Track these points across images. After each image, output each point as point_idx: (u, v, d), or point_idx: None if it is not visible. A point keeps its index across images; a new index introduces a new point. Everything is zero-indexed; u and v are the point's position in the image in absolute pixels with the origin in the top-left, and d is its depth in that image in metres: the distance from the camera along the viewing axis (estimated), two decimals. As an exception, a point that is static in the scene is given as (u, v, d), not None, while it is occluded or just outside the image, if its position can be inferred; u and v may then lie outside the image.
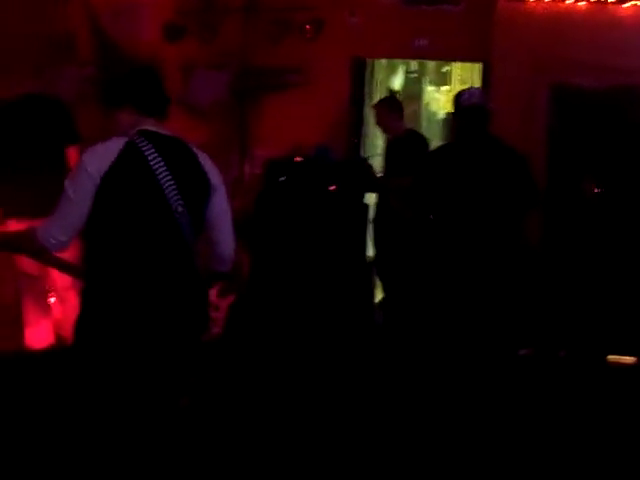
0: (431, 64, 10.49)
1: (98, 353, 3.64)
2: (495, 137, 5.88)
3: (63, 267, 4.41)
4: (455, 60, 9.22)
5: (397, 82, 9.99)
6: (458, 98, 5.89)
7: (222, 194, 3.75)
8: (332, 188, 7.15)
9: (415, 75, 10.45)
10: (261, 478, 4.84)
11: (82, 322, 3.66)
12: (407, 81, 10.34)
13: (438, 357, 6.00)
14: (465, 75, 9.59)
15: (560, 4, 7.30)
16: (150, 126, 3.67)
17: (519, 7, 7.31)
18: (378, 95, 8.87)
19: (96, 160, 3.52)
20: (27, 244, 3.76)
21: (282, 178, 7.23)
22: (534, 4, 7.32)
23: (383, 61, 9.13)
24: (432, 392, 5.88)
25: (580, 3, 7.31)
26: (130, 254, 3.59)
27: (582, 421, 5.74)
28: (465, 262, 5.81)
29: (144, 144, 3.57)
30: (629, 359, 7.17)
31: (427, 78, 10.72)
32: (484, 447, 5.25)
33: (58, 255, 4.11)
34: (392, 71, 9.78)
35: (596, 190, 7.18)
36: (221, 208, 3.75)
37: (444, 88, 11.08)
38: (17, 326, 6.20)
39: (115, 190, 3.51)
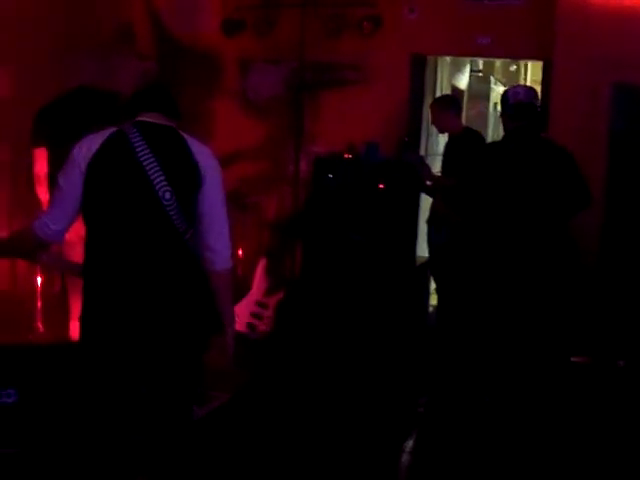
0: (498, 62, 10.31)
1: (93, 348, 3.66)
2: (544, 136, 5.70)
3: (63, 266, 4.37)
4: (516, 58, 9.03)
5: (462, 81, 9.81)
6: (505, 96, 5.74)
7: (215, 185, 3.66)
8: (381, 186, 7.00)
9: (481, 74, 10.25)
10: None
11: (82, 316, 3.66)
12: (473, 80, 10.16)
13: (490, 361, 5.86)
14: (536, 74, 9.36)
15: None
16: (147, 117, 3.65)
17: (582, 2, 7.06)
18: (441, 94, 8.71)
19: (83, 149, 3.55)
20: (24, 241, 3.78)
21: (330, 175, 7.11)
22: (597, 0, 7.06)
23: (447, 58, 8.95)
24: (483, 397, 5.80)
25: (646, -1, 7.02)
26: (117, 243, 3.58)
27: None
28: (514, 265, 5.67)
29: (132, 132, 3.56)
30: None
31: (494, 77, 10.52)
32: (535, 453, 5.21)
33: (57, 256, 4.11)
34: (457, 69, 9.60)
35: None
36: (213, 199, 3.66)
37: (514, 87, 10.85)
38: (64, 315, 6.23)
39: (100, 177, 3.53)
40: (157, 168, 3.53)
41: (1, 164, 7.05)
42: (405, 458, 5.37)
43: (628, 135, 7.14)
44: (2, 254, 4.00)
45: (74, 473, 4.04)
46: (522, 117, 5.62)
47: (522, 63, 10.74)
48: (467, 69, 9.99)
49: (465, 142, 7.08)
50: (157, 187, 3.53)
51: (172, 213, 3.56)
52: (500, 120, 5.99)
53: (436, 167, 7.73)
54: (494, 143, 6.58)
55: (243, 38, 8.22)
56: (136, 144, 3.55)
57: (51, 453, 4.58)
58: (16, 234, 3.89)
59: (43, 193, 6.13)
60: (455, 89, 9.50)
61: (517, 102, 5.63)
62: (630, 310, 6.95)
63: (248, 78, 8.29)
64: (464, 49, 7.96)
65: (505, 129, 5.80)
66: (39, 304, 6.63)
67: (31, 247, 3.79)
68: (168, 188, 3.53)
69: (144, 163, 3.53)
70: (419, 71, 8.14)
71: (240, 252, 7.85)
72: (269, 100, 8.30)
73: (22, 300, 6.80)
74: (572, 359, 6.65)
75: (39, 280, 6.70)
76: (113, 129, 3.62)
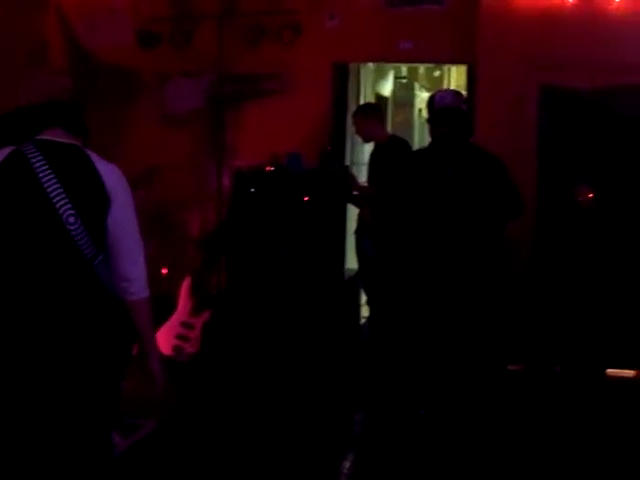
0: (422, 68, 10.26)
1: None
2: (471, 142, 5.59)
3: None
4: (439, 62, 8.95)
5: (386, 88, 9.72)
6: (431, 101, 5.61)
7: (124, 206, 3.41)
8: (306, 199, 6.83)
9: (405, 80, 10.18)
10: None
11: None
12: (397, 86, 10.09)
13: (425, 372, 5.77)
14: (461, 79, 9.29)
15: (547, 0, 6.96)
16: (48, 135, 3.40)
17: (504, 4, 7.01)
18: (365, 101, 8.60)
19: None
20: None
21: (252, 189, 6.91)
22: (519, 1, 6.99)
23: (370, 66, 8.86)
24: (419, 410, 5.73)
25: (568, -1, 6.96)
26: (14, 274, 3.33)
27: (581, 436, 5.61)
28: (446, 275, 5.54)
29: (31, 151, 3.31)
30: (629, 372, 6.90)
31: (419, 83, 10.45)
32: (474, 464, 5.16)
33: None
34: (381, 76, 9.51)
35: (590, 196, 6.84)
36: (123, 221, 3.41)
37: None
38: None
39: None
40: (60, 190, 3.29)
41: None
42: (345, 471, 5.22)
43: (557, 138, 7.07)
44: None
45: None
46: (449, 122, 5.50)
47: (446, 68, 10.69)
48: (391, 76, 9.91)
49: (391, 150, 7.00)
50: (60, 211, 3.28)
51: (78, 238, 3.31)
52: (426, 126, 5.85)
53: (362, 177, 7.60)
54: (420, 150, 6.44)
55: (160, 51, 8.05)
56: (36, 164, 3.30)
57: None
58: None
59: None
60: (379, 96, 9.41)
61: (443, 107, 5.51)
62: (563, 316, 6.89)
63: (166, 92, 8.09)
64: (386, 55, 7.91)
65: (432, 135, 5.65)
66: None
67: None
68: (72, 212, 3.29)
69: (45, 185, 3.28)
70: (341, 79, 8.04)
71: (164, 271, 7.63)
72: (189, 114, 8.13)
73: None
74: (508, 367, 6.58)
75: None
76: (10, 149, 3.36)
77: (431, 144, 5.71)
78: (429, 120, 5.66)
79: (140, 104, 8.25)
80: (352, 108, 7.97)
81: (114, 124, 7.93)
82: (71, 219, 3.28)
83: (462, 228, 5.44)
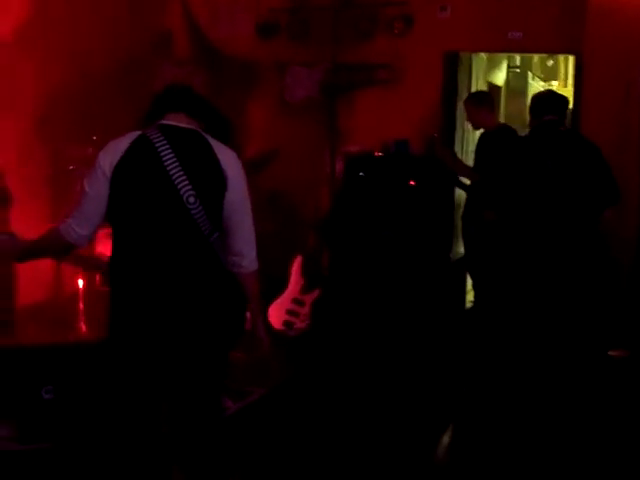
0: (536, 58, 10.33)
1: (118, 347, 3.76)
2: (573, 130, 5.75)
3: (90, 265, 4.49)
4: (548, 52, 9.05)
5: (499, 77, 9.83)
6: (533, 96, 5.87)
7: (240, 189, 3.71)
8: (412, 183, 7.07)
9: (519, 70, 10.27)
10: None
11: (109, 316, 3.74)
12: (510, 76, 10.18)
13: (526, 355, 5.92)
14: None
15: (656, -9, 7.02)
16: (171, 120, 3.69)
17: (613, -5, 7.07)
18: (476, 90, 8.75)
19: (108, 154, 3.61)
20: (52, 244, 3.85)
21: (361, 173, 7.19)
22: (629, -7, 7.06)
23: (483, 55, 8.99)
24: (517, 390, 5.86)
25: (678, -9, 7.01)
26: (142, 245, 3.65)
27: None
28: (546, 260, 5.71)
29: (156, 136, 3.62)
30: None
31: (532, 73, 10.53)
32: (573, 448, 5.24)
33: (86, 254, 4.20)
34: (494, 65, 9.63)
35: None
36: (238, 203, 3.71)
37: (554, 83, 10.88)
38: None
39: (125, 182, 3.59)
40: (181, 172, 3.59)
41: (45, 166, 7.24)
42: (440, 452, 5.41)
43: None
44: (34, 256, 4.10)
45: (108, 466, 4.12)
46: (547, 111, 5.70)
47: (562, 58, 10.74)
48: (504, 65, 10.01)
49: (498, 138, 7.11)
50: (181, 191, 3.59)
51: (197, 217, 3.61)
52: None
53: (470, 163, 7.77)
54: (521, 138, 6.61)
55: (278, 42, 8.34)
56: (160, 148, 3.61)
57: (85, 448, 4.70)
58: (45, 237, 3.96)
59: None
60: (492, 85, 9.53)
61: (541, 97, 5.72)
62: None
63: (284, 80, 8.37)
64: (496, 45, 8.02)
65: (531, 125, 5.88)
66: (81, 305, 6.80)
67: (59, 249, 3.88)
68: (192, 192, 3.59)
69: (168, 167, 3.58)
70: (452, 68, 8.21)
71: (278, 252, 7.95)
72: (304, 102, 8.37)
73: (65, 302, 6.97)
74: (609, 353, 6.67)
75: (81, 282, 6.87)
76: (137, 133, 3.67)
77: (530, 132, 5.92)
78: (530, 111, 5.86)
79: (259, 92, 8.58)
80: (463, 97, 8.11)
81: (235, 111, 8.22)
82: (191, 199, 3.59)
83: (559, 214, 5.61)
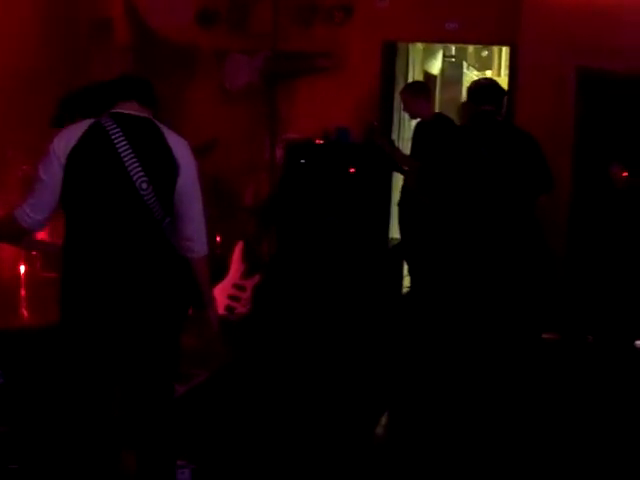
0: (471, 48, 10.52)
1: (70, 331, 3.83)
2: (505, 120, 5.91)
3: (44, 249, 4.54)
4: (483, 43, 9.24)
5: (435, 66, 10.00)
6: (470, 85, 6.02)
7: (191, 176, 3.81)
8: (352, 170, 7.21)
9: (454, 59, 10.45)
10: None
11: (60, 299, 3.83)
12: (446, 65, 10.35)
13: (461, 340, 6.07)
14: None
15: (589, -15, 7.23)
16: (124, 109, 3.78)
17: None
18: (413, 79, 8.91)
19: (63, 141, 3.67)
20: (6, 228, 3.91)
21: (302, 160, 7.31)
22: (562, -15, 7.26)
23: (419, 45, 9.15)
24: (453, 374, 6.01)
25: (610, -16, 7.22)
26: (95, 230, 3.73)
27: (608, 406, 5.78)
28: (481, 244, 5.87)
29: (109, 124, 3.70)
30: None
31: (467, 62, 10.72)
32: (502, 430, 5.37)
33: (40, 239, 4.26)
34: (430, 55, 9.80)
35: (624, 175, 7.09)
36: (189, 189, 3.80)
37: (488, 72, 11.10)
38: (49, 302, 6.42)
39: (79, 168, 3.66)
40: (134, 159, 3.67)
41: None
42: (379, 433, 5.53)
43: (593, 118, 7.34)
44: None
45: (61, 449, 4.19)
46: (484, 101, 5.85)
47: (496, 49, 10.94)
48: (440, 55, 10.19)
49: (434, 127, 7.24)
50: (134, 177, 3.67)
51: (149, 202, 3.70)
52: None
53: (406, 151, 7.91)
54: (458, 128, 6.78)
55: (218, 29, 8.41)
56: (114, 136, 3.68)
57: (39, 430, 4.75)
58: (0, 221, 4.04)
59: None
60: (428, 75, 9.70)
61: (479, 86, 5.88)
62: (599, 287, 7.15)
63: (223, 68, 8.45)
64: (433, 35, 8.20)
65: (468, 114, 6.03)
66: (23, 292, 6.80)
67: (14, 234, 3.94)
68: (145, 178, 3.68)
69: (122, 154, 3.67)
70: (390, 58, 8.36)
71: (218, 238, 8.04)
72: (244, 89, 8.48)
73: (6, 287, 6.96)
74: (543, 335, 6.87)
75: (22, 268, 6.87)
76: (91, 121, 3.74)
77: (468, 122, 6.08)
78: (467, 98, 6.03)
79: (199, 79, 8.63)
80: (400, 86, 8.26)
81: (174, 98, 8.30)
82: (144, 185, 3.68)
83: (494, 201, 5.79)
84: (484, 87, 6.01)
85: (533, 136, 5.92)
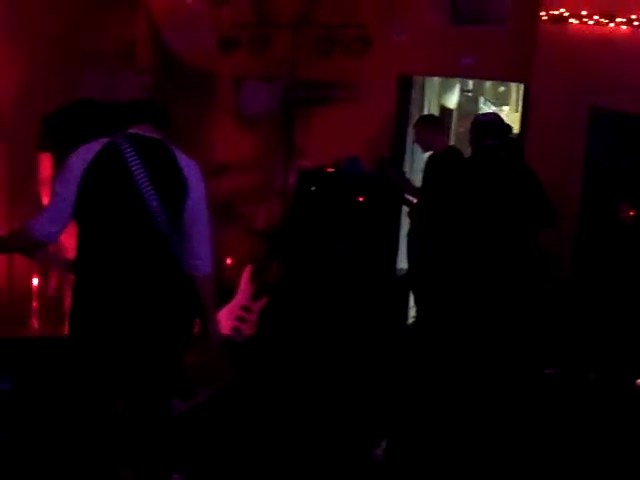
0: (488, 83, 10.61)
1: (79, 341, 3.97)
2: (513, 156, 6.00)
3: (57, 262, 4.68)
4: (498, 80, 9.35)
5: (452, 100, 10.11)
6: (475, 118, 6.11)
7: (200, 196, 3.98)
8: (360, 199, 7.32)
9: (471, 94, 10.55)
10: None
11: (71, 312, 3.97)
12: (463, 99, 10.45)
13: (464, 371, 6.14)
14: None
15: (603, 27, 7.34)
16: (137, 130, 3.94)
17: (561, 29, 7.39)
18: (428, 112, 9.01)
19: (79, 157, 3.86)
20: (20, 240, 4.07)
21: (313, 188, 7.43)
22: (576, 26, 7.38)
23: (436, 79, 9.26)
24: (454, 404, 6.04)
25: (622, 27, 7.33)
26: (105, 244, 3.89)
27: (608, 444, 5.78)
28: (484, 278, 5.96)
29: (123, 143, 3.87)
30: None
31: (484, 97, 10.81)
32: (501, 461, 5.41)
33: (52, 254, 4.41)
34: (447, 89, 9.90)
35: (631, 214, 7.16)
36: (197, 209, 3.97)
37: (505, 108, 11.19)
38: (59, 315, 6.55)
39: (93, 184, 3.83)
40: (146, 178, 3.84)
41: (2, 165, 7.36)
42: (378, 455, 5.61)
43: (603, 157, 7.41)
44: (1, 250, 4.30)
45: (62, 459, 4.29)
46: (488, 136, 5.96)
47: (514, 85, 11.04)
48: (457, 89, 10.29)
49: (444, 160, 7.33)
50: (145, 195, 3.84)
51: (158, 219, 3.87)
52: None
53: (418, 183, 8.00)
54: (462, 160, 6.88)
55: (238, 55, 8.59)
56: (127, 155, 3.86)
57: (42, 439, 4.86)
58: (14, 233, 4.19)
59: (46, 195, 6.45)
60: (444, 108, 9.79)
61: (483, 122, 5.98)
62: (601, 324, 7.19)
63: (241, 94, 8.61)
64: (449, 70, 8.33)
65: (473, 148, 6.13)
66: (35, 304, 6.94)
67: (28, 245, 4.09)
68: (155, 196, 3.84)
69: (134, 173, 3.84)
70: (405, 90, 8.48)
71: (229, 260, 8.16)
72: (261, 115, 8.65)
73: (18, 299, 7.10)
74: (545, 371, 6.91)
75: (35, 281, 7.01)
76: (106, 140, 3.92)
77: (472, 156, 6.18)
78: (471, 132, 6.13)
79: (217, 104, 8.81)
80: (415, 118, 8.38)
81: (192, 121, 8.46)
82: (154, 203, 3.85)
83: (496, 234, 5.88)
84: (487, 122, 6.11)
85: (532, 170, 6.01)
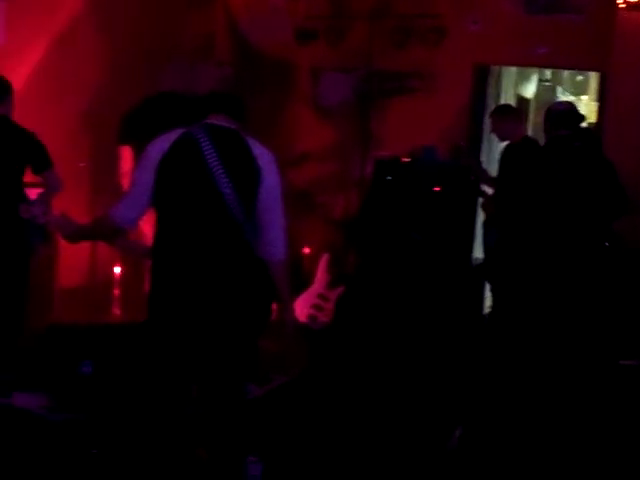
0: (566, 73, 10.52)
1: (157, 326, 4.11)
2: (585, 144, 5.99)
3: (135, 249, 4.84)
4: (574, 69, 9.27)
5: (529, 90, 10.05)
6: (548, 108, 6.10)
7: (273, 184, 4.08)
8: (437, 189, 7.36)
9: (549, 83, 10.48)
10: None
11: (149, 296, 4.11)
12: (540, 89, 10.37)
13: (539, 362, 6.12)
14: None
15: (682, 15, 7.27)
16: (213, 120, 4.06)
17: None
18: (505, 102, 9.00)
19: (156, 146, 4.01)
20: (102, 226, 4.25)
21: (389, 177, 7.49)
22: (655, 14, 7.31)
23: (512, 68, 9.24)
24: (530, 396, 6.01)
25: (702, 14, 7.26)
26: (181, 230, 4.03)
27: None
28: (560, 268, 5.95)
29: (199, 133, 4.00)
30: None
31: (562, 87, 10.73)
32: (577, 453, 5.36)
33: (132, 241, 4.58)
34: (524, 78, 9.86)
35: None
36: (271, 197, 4.07)
37: (583, 98, 11.08)
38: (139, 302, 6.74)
39: (170, 172, 3.97)
40: (220, 166, 3.96)
41: (87, 157, 7.59)
42: (451, 446, 5.61)
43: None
44: (84, 237, 4.49)
45: (137, 441, 4.46)
46: (562, 125, 5.95)
47: (593, 74, 10.93)
48: (534, 79, 10.23)
49: (520, 150, 7.30)
50: (219, 182, 3.96)
51: (232, 206, 3.98)
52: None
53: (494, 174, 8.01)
54: (536, 150, 6.87)
55: (314, 47, 8.71)
56: (203, 144, 3.98)
57: (118, 421, 5.03)
58: (96, 220, 4.38)
59: (126, 187, 6.66)
60: (521, 98, 9.75)
61: (557, 111, 5.98)
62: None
63: (319, 85, 8.72)
64: (525, 59, 8.31)
65: (546, 137, 6.13)
66: (116, 291, 7.15)
67: (109, 232, 4.25)
68: (229, 185, 3.96)
69: (208, 161, 3.96)
70: (481, 80, 8.49)
71: (307, 250, 8.28)
72: (338, 106, 8.74)
73: (100, 287, 7.32)
74: (621, 362, 6.87)
75: (117, 269, 7.23)
76: (182, 130, 4.06)
77: (545, 145, 6.18)
78: (545, 123, 6.13)
79: (295, 95, 8.94)
80: (491, 108, 8.38)
81: (271, 111, 8.61)
82: (227, 190, 3.96)
83: (571, 224, 5.88)
84: (560, 112, 6.10)
85: (609, 160, 5.99)
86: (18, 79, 6.16)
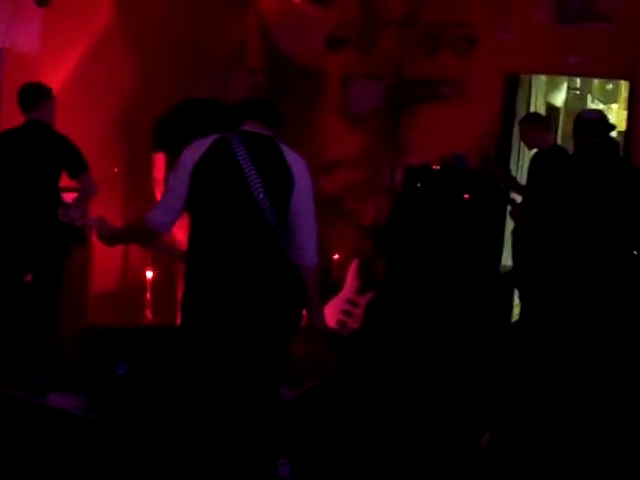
0: (596, 81, 10.54)
1: (191, 329, 4.15)
2: (613, 153, 6.00)
3: (170, 252, 4.92)
4: (604, 77, 9.29)
5: (559, 98, 10.08)
6: (577, 116, 6.12)
7: (305, 191, 4.13)
8: (466, 196, 7.41)
9: (578, 92, 10.49)
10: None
11: (182, 300, 4.17)
12: (570, 97, 10.39)
13: (567, 371, 6.12)
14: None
15: None
16: (248, 127, 4.14)
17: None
18: (535, 111, 9.02)
19: (191, 152, 4.07)
20: (137, 230, 4.35)
21: (419, 184, 7.55)
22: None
23: (542, 77, 9.27)
24: (558, 404, 6.02)
25: None
26: (215, 234, 4.08)
27: None
28: (588, 278, 5.96)
29: (233, 139, 4.06)
30: None
31: (592, 95, 10.74)
32: (606, 456, 5.37)
33: (166, 245, 4.66)
34: (554, 87, 9.89)
35: None
36: (303, 202, 4.12)
37: (614, 106, 11.09)
38: (171, 306, 6.84)
39: (204, 177, 4.03)
40: (253, 171, 4.02)
41: (121, 162, 7.69)
42: (479, 451, 5.64)
43: None
44: (120, 240, 4.58)
45: (168, 442, 4.53)
46: (591, 134, 5.97)
47: (623, 82, 10.93)
48: (564, 87, 10.25)
49: (549, 159, 7.32)
50: (253, 188, 4.01)
51: (265, 211, 4.03)
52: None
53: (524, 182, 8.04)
54: (565, 159, 6.89)
55: (345, 54, 8.76)
56: (237, 150, 4.04)
57: (149, 422, 5.12)
58: (131, 223, 4.45)
59: (159, 194, 6.74)
60: (551, 106, 9.78)
61: (586, 120, 6.00)
62: None
63: (349, 92, 8.80)
64: (555, 68, 8.34)
65: (575, 146, 6.16)
66: (148, 295, 7.24)
67: (143, 235, 4.33)
68: (262, 190, 4.01)
69: (243, 167, 4.02)
70: (512, 89, 8.51)
71: (336, 256, 8.34)
72: (368, 113, 8.81)
73: (133, 291, 7.41)
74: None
75: (149, 273, 7.32)
76: (217, 136, 4.12)
77: (574, 154, 6.21)
78: (573, 130, 6.16)
79: (325, 102, 9.02)
80: (521, 116, 8.41)
81: (302, 118, 8.68)
82: (261, 195, 4.02)
83: (597, 230, 5.90)
84: (590, 120, 6.11)
85: (637, 169, 6.00)
86: (54, 86, 6.23)
